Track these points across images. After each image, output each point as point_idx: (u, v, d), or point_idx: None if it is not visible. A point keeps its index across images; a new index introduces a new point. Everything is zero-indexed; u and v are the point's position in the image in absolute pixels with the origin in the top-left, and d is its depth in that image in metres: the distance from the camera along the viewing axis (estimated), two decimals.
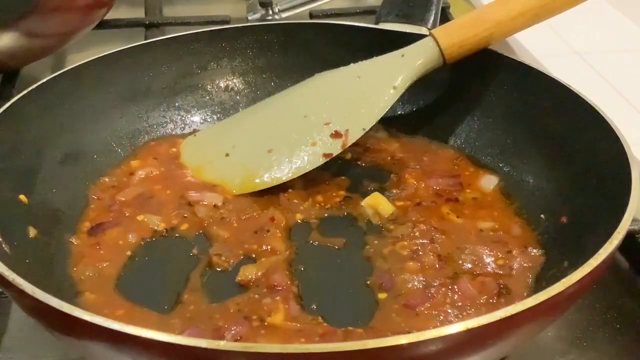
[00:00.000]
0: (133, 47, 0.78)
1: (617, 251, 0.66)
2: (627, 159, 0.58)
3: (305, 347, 0.45)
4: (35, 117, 0.69)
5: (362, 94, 0.76)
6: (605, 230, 0.52)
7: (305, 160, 0.73)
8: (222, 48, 0.81)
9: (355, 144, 0.75)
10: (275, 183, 0.72)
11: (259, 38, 0.82)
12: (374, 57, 0.77)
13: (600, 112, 0.65)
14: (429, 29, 0.80)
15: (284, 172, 0.73)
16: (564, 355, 0.60)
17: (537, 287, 0.59)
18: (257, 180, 0.73)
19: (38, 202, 0.65)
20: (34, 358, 0.60)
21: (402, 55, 0.75)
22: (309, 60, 0.82)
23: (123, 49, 0.77)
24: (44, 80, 0.71)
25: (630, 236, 0.67)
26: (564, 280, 0.47)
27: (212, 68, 0.81)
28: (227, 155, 0.75)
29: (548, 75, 0.73)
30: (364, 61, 0.77)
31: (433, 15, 0.84)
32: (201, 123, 0.82)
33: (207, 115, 0.82)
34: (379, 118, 0.75)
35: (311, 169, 0.73)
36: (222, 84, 0.82)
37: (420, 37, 0.76)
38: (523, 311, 0.45)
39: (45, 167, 0.68)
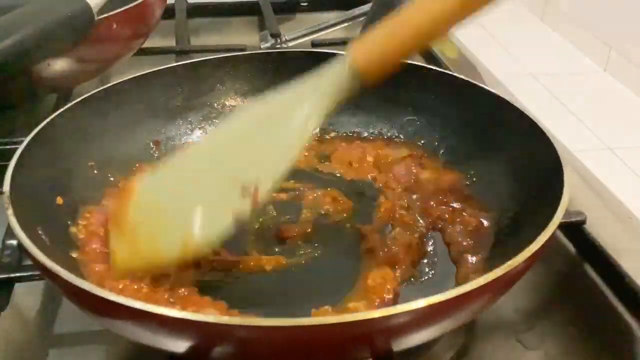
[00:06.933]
0: (154, 71, 0.80)
1: (566, 239, 0.70)
2: (559, 162, 0.60)
3: (308, 320, 0.46)
4: (72, 130, 0.70)
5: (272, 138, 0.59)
6: (544, 222, 0.54)
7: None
8: (226, 72, 0.83)
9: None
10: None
11: (256, 64, 0.84)
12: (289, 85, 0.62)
13: (537, 122, 0.66)
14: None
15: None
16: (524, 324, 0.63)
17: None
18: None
19: (73, 202, 0.66)
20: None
21: (316, 84, 0.60)
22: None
23: (144, 73, 0.79)
24: (80, 98, 0.72)
25: (575, 226, 0.69)
26: (509, 262, 0.50)
27: (218, 89, 0.83)
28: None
29: (492, 92, 0.72)
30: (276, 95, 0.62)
31: None
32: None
33: (214, 127, 0.83)
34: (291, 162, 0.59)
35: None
36: (226, 103, 0.84)
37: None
38: (475, 289, 0.48)
39: (80, 172, 0.69)
